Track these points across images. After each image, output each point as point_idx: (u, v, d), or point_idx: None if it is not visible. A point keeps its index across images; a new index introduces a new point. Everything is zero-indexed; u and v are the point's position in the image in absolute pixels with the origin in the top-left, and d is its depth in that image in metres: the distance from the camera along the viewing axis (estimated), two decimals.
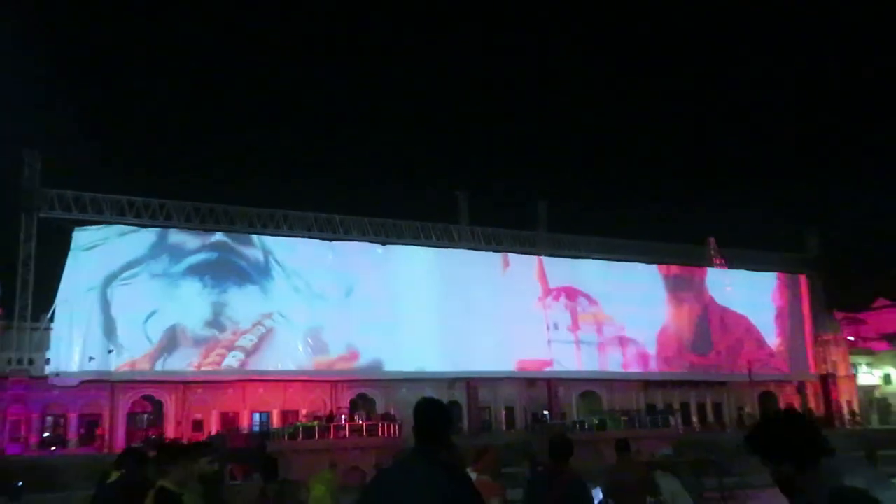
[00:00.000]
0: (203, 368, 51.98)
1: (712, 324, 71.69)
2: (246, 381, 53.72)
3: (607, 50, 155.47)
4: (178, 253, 53.70)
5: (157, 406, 53.09)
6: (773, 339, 73.77)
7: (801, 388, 73.65)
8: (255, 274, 55.80)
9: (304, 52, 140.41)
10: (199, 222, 55.48)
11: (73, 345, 49.13)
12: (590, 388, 65.82)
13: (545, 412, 62.13)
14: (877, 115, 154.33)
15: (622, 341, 66.77)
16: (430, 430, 4.16)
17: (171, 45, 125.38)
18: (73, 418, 51.04)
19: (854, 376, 76.99)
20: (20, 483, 35.56)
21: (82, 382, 49.12)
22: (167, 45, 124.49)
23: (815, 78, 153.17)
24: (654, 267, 70.76)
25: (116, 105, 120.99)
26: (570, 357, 64.10)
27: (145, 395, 52.56)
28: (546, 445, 7.19)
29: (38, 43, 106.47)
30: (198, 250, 54.45)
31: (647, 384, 67.70)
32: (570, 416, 60.74)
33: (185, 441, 35.50)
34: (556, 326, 64.48)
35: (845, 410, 72.90)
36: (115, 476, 7.86)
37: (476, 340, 58.65)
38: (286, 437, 43.45)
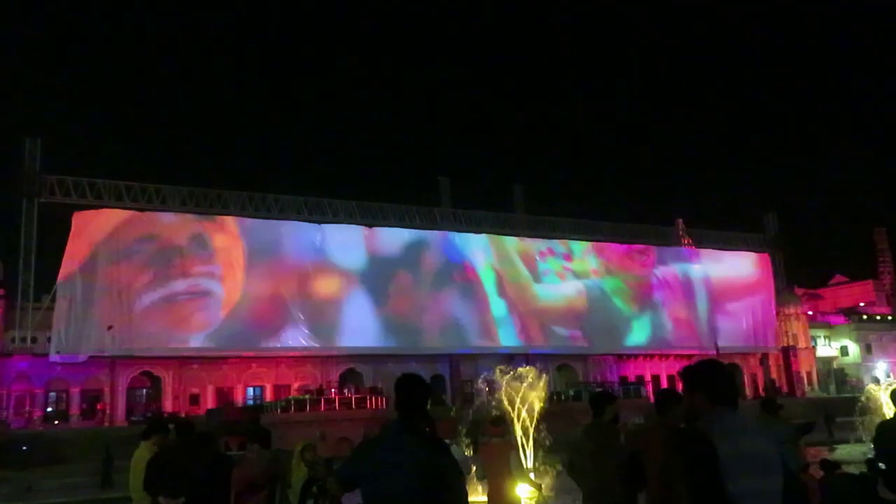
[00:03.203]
0: (199, 345, 51.57)
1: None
2: (240, 357, 53.49)
3: (581, 43, 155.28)
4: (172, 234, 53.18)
5: (156, 381, 52.79)
6: (738, 313, 74.03)
7: (763, 360, 74.22)
8: None
9: (295, 43, 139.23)
10: (193, 206, 55.06)
11: (73, 323, 48.66)
12: (565, 362, 66.03)
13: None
14: (830, 108, 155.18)
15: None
16: (410, 403, 4.14)
17: (167, 34, 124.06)
18: (75, 394, 50.77)
19: (813, 348, 77.91)
20: (24, 447, 35.32)
21: (89, 357, 48.69)
22: (163, 35, 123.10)
23: (774, 76, 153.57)
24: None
25: (114, 94, 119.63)
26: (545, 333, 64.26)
27: (144, 371, 52.23)
28: None
29: (37, 36, 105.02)
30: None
31: (619, 357, 68.07)
32: (549, 388, 60.77)
33: None
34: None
35: (805, 380, 73.80)
36: (144, 445, 7.64)
37: (458, 318, 58.66)
38: (279, 410, 43.34)
